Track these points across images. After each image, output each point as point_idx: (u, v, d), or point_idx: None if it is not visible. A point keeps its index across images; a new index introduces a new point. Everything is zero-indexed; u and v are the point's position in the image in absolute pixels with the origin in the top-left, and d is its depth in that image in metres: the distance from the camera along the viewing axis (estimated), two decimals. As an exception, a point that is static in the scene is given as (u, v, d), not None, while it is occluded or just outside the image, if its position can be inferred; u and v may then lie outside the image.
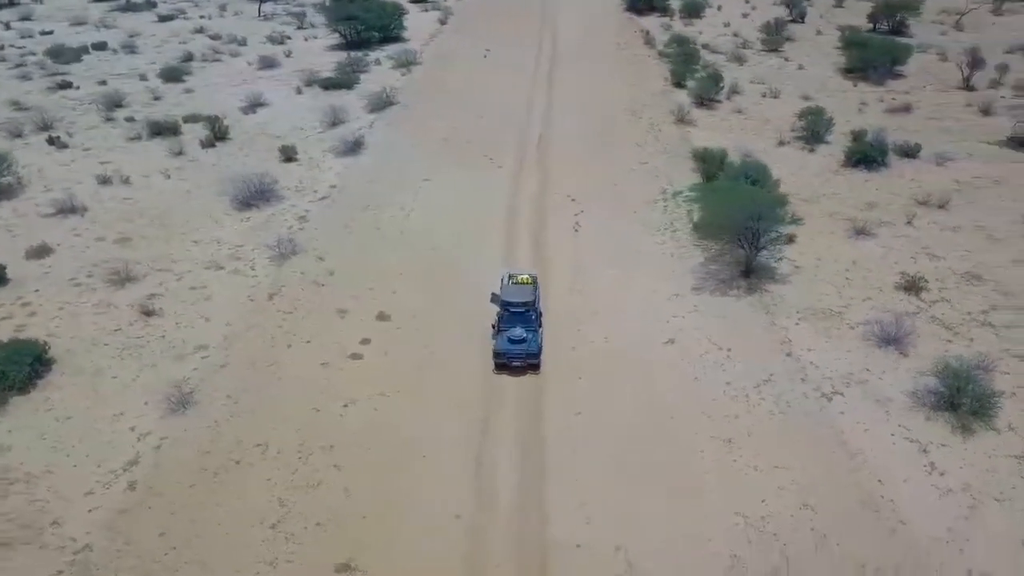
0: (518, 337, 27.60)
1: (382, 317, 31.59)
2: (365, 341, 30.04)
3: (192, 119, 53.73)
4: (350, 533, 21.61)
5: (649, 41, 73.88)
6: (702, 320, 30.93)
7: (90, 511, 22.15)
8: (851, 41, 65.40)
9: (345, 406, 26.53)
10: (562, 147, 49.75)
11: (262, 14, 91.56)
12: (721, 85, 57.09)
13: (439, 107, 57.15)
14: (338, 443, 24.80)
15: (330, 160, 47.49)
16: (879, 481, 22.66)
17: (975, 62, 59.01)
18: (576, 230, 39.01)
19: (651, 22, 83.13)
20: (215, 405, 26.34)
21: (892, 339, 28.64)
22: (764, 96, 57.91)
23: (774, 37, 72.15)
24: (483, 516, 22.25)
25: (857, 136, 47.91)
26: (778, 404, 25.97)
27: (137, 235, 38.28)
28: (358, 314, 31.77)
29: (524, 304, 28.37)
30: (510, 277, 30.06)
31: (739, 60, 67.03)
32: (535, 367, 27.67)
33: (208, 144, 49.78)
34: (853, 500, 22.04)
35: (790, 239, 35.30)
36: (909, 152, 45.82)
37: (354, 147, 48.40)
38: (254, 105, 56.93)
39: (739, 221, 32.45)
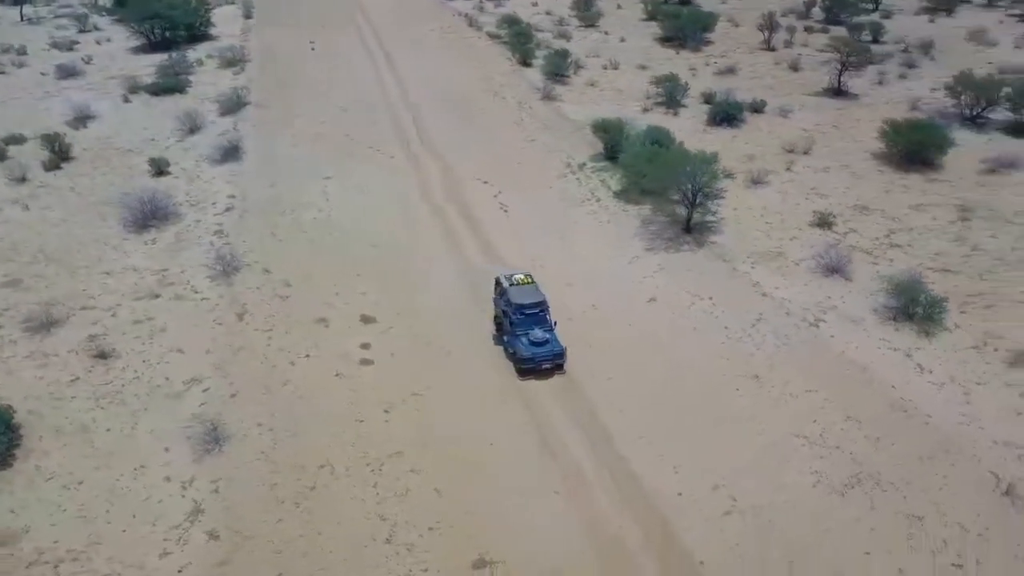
0: (540, 339, 27.06)
1: (367, 320, 30.59)
2: (365, 346, 29.01)
3: (14, 140, 47.24)
4: (465, 530, 21.33)
5: (474, 24, 75.18)
6: (671, 276, 33.22)
7: (180, 571, 19.90)
8: (664, 13, 71.01)
9: (386, 411, 25.67)
10: (441, 132, 49.88)
11: (24, 18, 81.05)
12: (569, 61, 59.79)
13: (295, 104, 54.76)
14: (401, 448, 24.06)
15: (209, 169, 44.16)
16: (892, 387, 26.22)
17: (772, 26, 66.70)
18: (505, 210, 39.73)
19: (462, 6, 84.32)
20: (251, 436, 24.37)
21: (835, 268, 32.68)
22: (606, 68, 61.59)
23: (587, 13, 76.27)
24: (578, 487, 22.85)
25: (708, 98, 52.74)
26: (779, 338, 28.88)
27: (28, 275, 33.63)
28: (341, 321, 30.49)
29: (537, 305, 27.85)
30: (507, 278, 29.01)
31: (565, 37, 70.40)
32: (560, 367, 27.42)
33: (52, 166, 44.21)
34: (882, 406, 25.37)
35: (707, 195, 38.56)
36: (757, 108, 51.31)
37: (230, 153, 45.28)
38: (82, 118, 51.09)
39: (681, 181, 35.10)
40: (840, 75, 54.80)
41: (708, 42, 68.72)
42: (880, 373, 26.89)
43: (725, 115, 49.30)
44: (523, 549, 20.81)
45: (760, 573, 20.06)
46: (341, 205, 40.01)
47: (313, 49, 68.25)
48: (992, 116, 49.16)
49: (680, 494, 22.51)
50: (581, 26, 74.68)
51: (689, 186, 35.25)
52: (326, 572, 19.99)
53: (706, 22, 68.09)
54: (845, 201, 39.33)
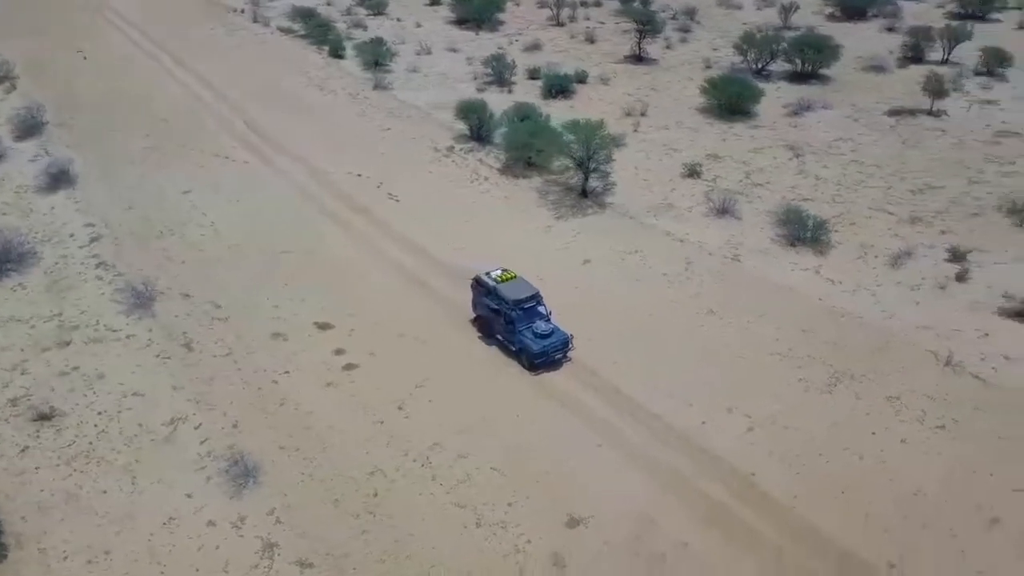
0: (545, 331, 26.83)
1: (324, 327, 29.46)
2: (340, 351, 28.06)
3: None
4: (542, 497, 21.91)
5: (260, 19, 71.64)
6: (591, 238, 35.32)
7: (290, 608, 18.67)
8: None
9: (400, 408, 25.25)
10: (285, 131, 47.78)
11: None
12: (386, 48, 59.46)
13: (102, 119, 49.50)
14: (436, 439, 23.90)
15: (40, 199, 39.21)
16: (819, 299, 30.49)
17: (559, 2, 70.91)
18: (397, 200, 39.46)
19: (233, 2, 79.58)
20: (281, 461, 22.89)
21: (724, 210, 36.71)
22: (419, 54, 61.98)
23: (373, 1, 75.57)
24: (615, 436, 24.22)
25: (534, 73, 55.45)
26: (713, 276, 32.14)
27: None
28: (298, 332, 29.08)
29: (532, 297, 27.63)
30: (488, 275, 28.25)
31: (361, 26, 69.61)
32: (566, 354, 27.44)
33: None
34: (822, 316, 29.45)
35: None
36: (581, 79, 54.79)
37: (60, 178, 40.21)
38: None
39: (574, 149, 37.30)
40: (640, 43, 59.97)
41: (500, 22, 71.39)
42: (805, 290, 31.13)
43: (560, 87, 52.14)
44: (603, 501, 21.93)
45: (802, 470, 22.90)
46: (222, 217, 37.40)
47: (85, 59, 61.27)
48: (772, 68, 56.68)
49: (704, 423, 24.79)
50: (370, 14, 74.00)
51: (583, 153, 37.45)
52: (441, 568, 19.79)
53: (499, 2, 70.66)
54: (697, 152, 43.77)
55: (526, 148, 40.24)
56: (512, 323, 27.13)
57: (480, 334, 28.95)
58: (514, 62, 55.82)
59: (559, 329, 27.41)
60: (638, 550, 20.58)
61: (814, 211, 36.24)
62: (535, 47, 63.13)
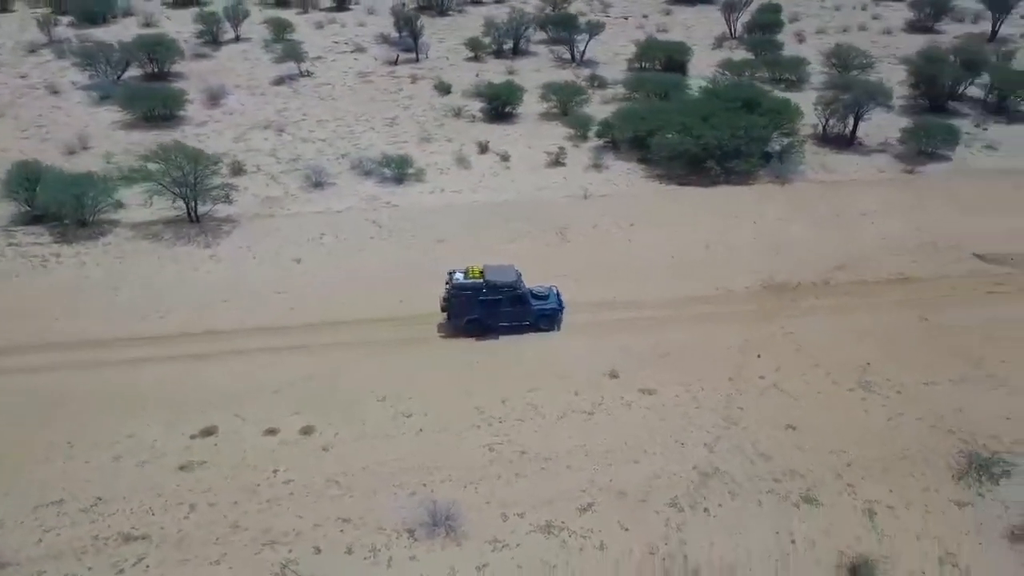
0: (544, 292, 29.47)
1: (207, 432, 24.47)
2: (271, 431, 24.47)
3: None
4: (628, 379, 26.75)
5: None
6: (267, 245, 34.63)
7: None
8: None
9: (407, 416, 25.16)
10: None
11: None
12: None
13: None
14: (531, 385, 26.31)
15: None
16: (493, 201, 37.91)
17: None
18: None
19: None
20: (439, 494, 21.11)
21: (319, 183, 39.24)
22: None
23: None
24: (583, 323, 29.45)
25: None
26: (402, 222, 36.00)
27: None
28: (199, 452, 23.77)
29: (518, 273, 29.27)
30: (461, 280, 28.58)
31: None
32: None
33: None
34: (519, 206, 37.14)
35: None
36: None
37: None
38: None
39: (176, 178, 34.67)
40: None
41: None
42: (472, 199, 38.36)
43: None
44: (629, 356, 27.87)
45: (676, 273, 32.80)
46: None
47: None
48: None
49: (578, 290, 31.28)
50: None
51: (187, 178, 34.71)
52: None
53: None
54: (221, 147, 42.97)
55: (80, 203, 34.32)
56: (523, 299, 28.97)
57: (475, 336, 29.08)
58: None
59: (548, 289, 30.06)
60: (663, 353, 27.95)
61: (376, 155, 41.73)
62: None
